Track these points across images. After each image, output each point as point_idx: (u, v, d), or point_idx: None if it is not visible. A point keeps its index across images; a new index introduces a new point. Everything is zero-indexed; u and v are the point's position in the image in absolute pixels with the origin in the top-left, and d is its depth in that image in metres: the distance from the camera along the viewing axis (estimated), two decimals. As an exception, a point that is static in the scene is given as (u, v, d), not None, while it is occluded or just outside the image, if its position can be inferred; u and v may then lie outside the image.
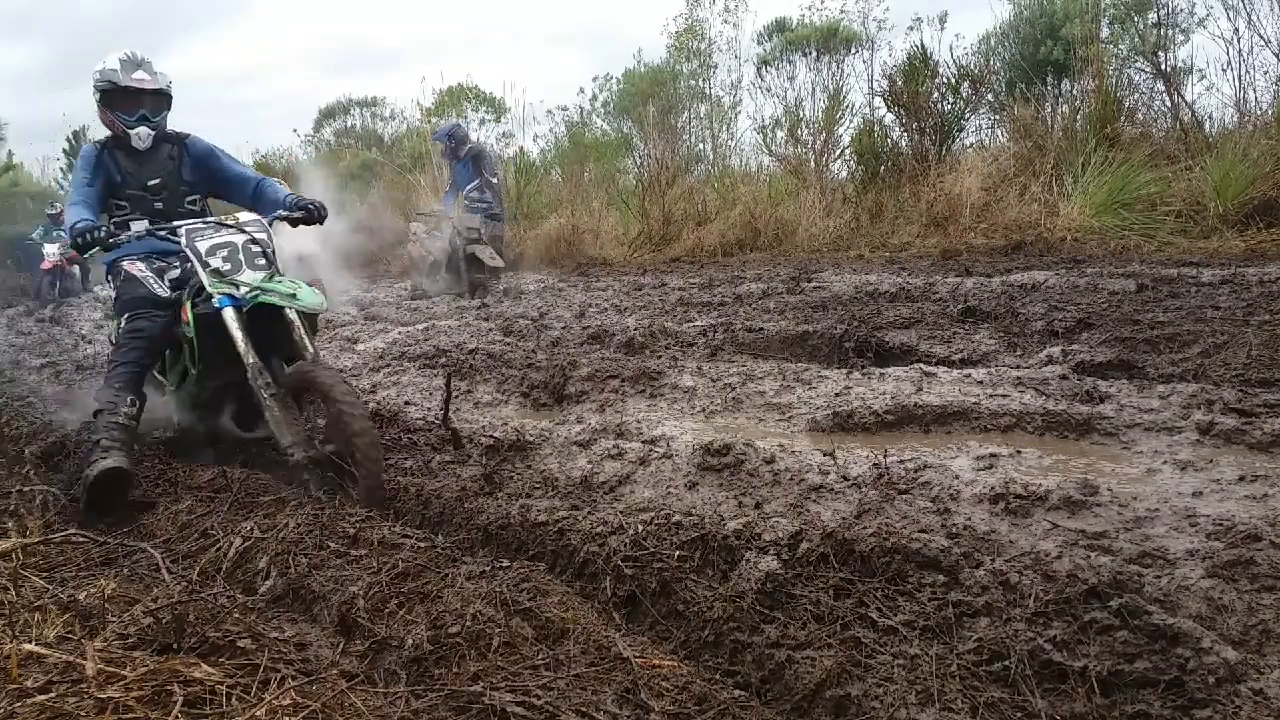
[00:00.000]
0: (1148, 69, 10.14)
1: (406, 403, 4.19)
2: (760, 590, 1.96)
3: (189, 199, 3.72)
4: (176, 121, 3.78)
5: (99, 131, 3.76)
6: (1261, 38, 9.22)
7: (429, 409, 4.00)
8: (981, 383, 3.57)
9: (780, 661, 1.74)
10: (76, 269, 14.43)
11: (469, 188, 9.59)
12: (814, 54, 12.84)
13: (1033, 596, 1.76)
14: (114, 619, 1.67)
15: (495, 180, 9.64)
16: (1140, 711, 1.51)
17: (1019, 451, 2.80)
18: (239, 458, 3.41)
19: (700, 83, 14.46)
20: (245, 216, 3.40)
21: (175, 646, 1.57)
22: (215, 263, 3.16)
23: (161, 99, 3.62)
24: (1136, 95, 10.28)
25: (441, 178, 13.49)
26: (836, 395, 3.61)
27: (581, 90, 16.82)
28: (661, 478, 2.84)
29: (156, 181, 3.64)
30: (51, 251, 14.09)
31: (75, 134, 22.47)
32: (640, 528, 2.32)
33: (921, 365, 4.02)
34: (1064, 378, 3.54)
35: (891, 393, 3.51)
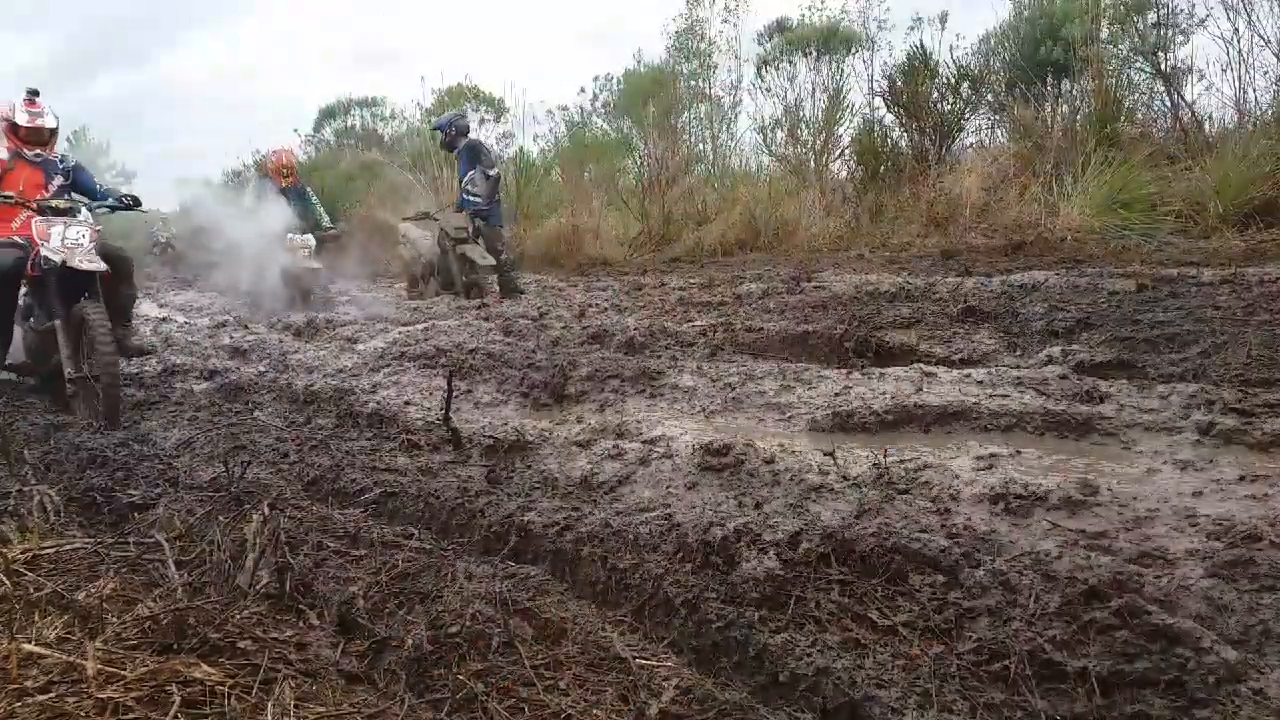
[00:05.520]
0: (1148, 69, 10.13)
1: (406, 403, 4.19)
2: (760, 590, 1.96)
3: None
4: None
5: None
6: (1261, 38, 9.20)
7: (429, 409, 4.00)
8: (981, 383, 3.57)
9: (780, 661, 1.73)
10: None
11: (465, 180, 9.26)
12: (814, 54, 12.81)
13: (1033, 596, 1.76)
14: (113, 619, 1.67)
15: (493, 174, 9.33)
16: (1140, 711, 1.51)
17: (1019, 451, 2.80)
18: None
19: (700, 83, 14.44)
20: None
21: (175, 647, 1.57)
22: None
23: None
24: (1136, 95, 10.26)
25: (442, 176, 13.50)
26: (836, 395, 3.60)
27: (582, 90, 16.73)
28: (661, 478, 2.84)
29: None
30: None
31: (74, 134, 22.50)
32: (640, 528, 2.32)
33: (921, 365, 4.02)
34: (1064, 378, 3.54)
35: (891, 393, 3.51)
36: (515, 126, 16.11)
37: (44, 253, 4.37)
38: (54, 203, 4.58)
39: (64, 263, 4.32)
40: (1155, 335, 4.23)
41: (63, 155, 5.11)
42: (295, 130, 23.93)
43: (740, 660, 1.80)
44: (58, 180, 4.94)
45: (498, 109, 16.56)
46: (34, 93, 4.88)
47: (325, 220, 9.77)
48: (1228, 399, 3.06)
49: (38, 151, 4.89)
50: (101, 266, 4.42)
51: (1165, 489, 2.39)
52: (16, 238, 4.63)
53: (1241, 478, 2.39)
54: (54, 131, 4.97)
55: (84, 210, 4.65)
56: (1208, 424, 2.84)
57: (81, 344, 4.38)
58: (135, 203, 4.99)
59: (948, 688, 1.60)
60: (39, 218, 4.46)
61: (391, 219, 12.15)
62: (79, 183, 5.06)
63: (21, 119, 4.81)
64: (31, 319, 4.85)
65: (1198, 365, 3.69)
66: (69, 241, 4.38)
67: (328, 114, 21.38)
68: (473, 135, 10.02)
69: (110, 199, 4.93)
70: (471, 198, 9.16)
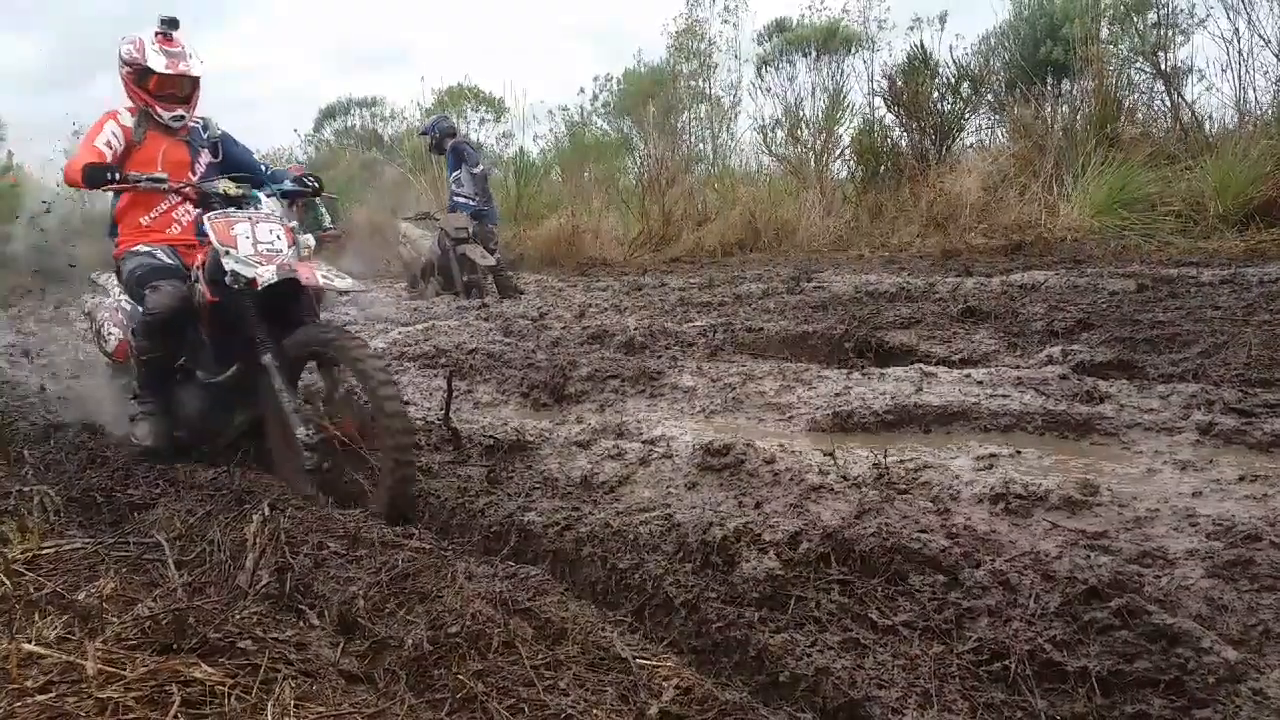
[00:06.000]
0: (1148, 69, 10.14)
1: (406, 403, 4.19)
2: (760, 590, 1.96)
3: None
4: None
5: None
6: (1261, 38, 9.21)
7: (429, 409, 4.00)
8: (981, 383, 3.57)
9: (780, 661, 1.73)
10: None
11: (451, 181, 9.33)
12: (814, 54, 12.83)
13: (1033, 596, 1.76)
14: (113, 619, 1.67)
15: (478, 172, 9.34)
16: (1140, 711, 1.51)
17: (1019, 451, 2.80)
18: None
19: (700, 83, 14.45)
20: None
21: (175, 647, 1.57)
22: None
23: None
24: (1136, 95, 10.28)
25: (442, 176, 13.50)
26: (836, 395, 3.61)
27: (582, 90, 16.77)
28: (661, 478, 2.84)
29: None
30: None
31: (74, 134, 22.44)
32: (640, 528, 2.33)
33: (921, 365, 4.02)
34: (1064, 378, 3.54)
35: (891, 393, 3.51)
36: (515, 126, 16.14)
37: (233, 266, 2.94)
38: (223, 188, 3.18)
39: (278, 278, 2.88)
40: (1155, 335, 4.23)
41: (204, 121, 3.59)
42: (295, 130, 23.91)
43: (740, 660, 1.80)
44: (204, 158, 3.51)
45: (497, 109, 16.57)
46: (171, 23, 3.35)
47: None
48: (1228, 399, 3.06)
49: (178, 113, 3.39)
50: (351, 284, 3.10)
51: (1165, 489, 2.39)
52: (162, 253, 3.33)
53: (1241, 478, 2.39)
54: (197, 84, 3.44)
55: (262, 198, 3.26)
56: (1208, 424, 2.84)
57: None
58: (319, 186, 3.62)
59: (948, 687, 1.61)
60: (210, 213, 3.09)
61: (391, 219, 12.15)
62: (232, 159, 3.58)
63: (157, 63, 3.29)
64: (195, 366, 3.28)
65: (1198, 365, 3.69)
66: (264, 247, 3.01)
67: (328, 114, 21.36)
68: (460, 136, 10.04)
69: (286, 181, 3.50)
70: (459, 198, 9.22)
